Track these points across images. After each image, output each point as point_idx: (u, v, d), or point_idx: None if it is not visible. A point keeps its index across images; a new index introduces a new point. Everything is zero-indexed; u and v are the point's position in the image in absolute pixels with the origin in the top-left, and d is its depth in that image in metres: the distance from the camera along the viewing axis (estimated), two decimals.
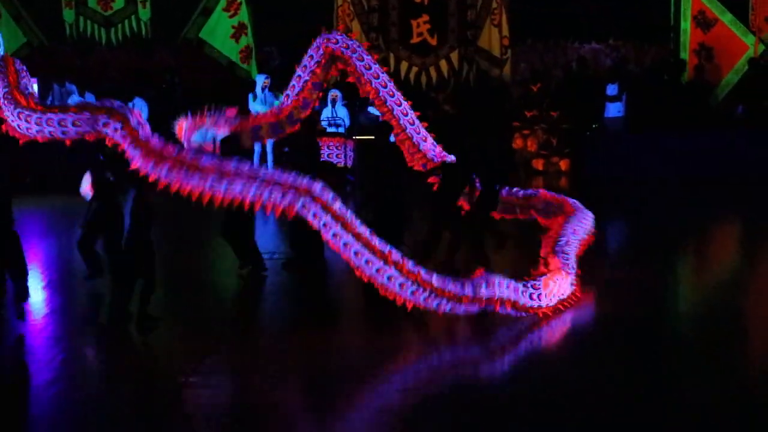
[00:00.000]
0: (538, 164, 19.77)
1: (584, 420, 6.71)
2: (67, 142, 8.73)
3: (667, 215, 14.98)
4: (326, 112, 17.73)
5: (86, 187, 9.93)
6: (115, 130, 8.43)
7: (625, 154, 18.19)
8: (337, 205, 8.51)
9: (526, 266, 9.52)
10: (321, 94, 12.04)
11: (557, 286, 9.16)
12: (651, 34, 21.57)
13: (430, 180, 11.43)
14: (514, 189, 12.05)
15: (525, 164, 19.63)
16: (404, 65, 21.02)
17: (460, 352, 8.60)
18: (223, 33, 19.55)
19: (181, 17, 19.64)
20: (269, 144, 17.07)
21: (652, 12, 21.58)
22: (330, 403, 7.06)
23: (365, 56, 11.35)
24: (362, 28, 20.79)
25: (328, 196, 8.51)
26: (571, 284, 9.47)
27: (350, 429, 6.75)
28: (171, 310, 9.39)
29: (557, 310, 9.09)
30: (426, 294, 8.47)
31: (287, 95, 11.49)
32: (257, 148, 17.00)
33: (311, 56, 11.31)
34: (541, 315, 8.93)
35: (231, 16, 19.60)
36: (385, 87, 11.50)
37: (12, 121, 8.79)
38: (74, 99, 17.50)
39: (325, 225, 8.47)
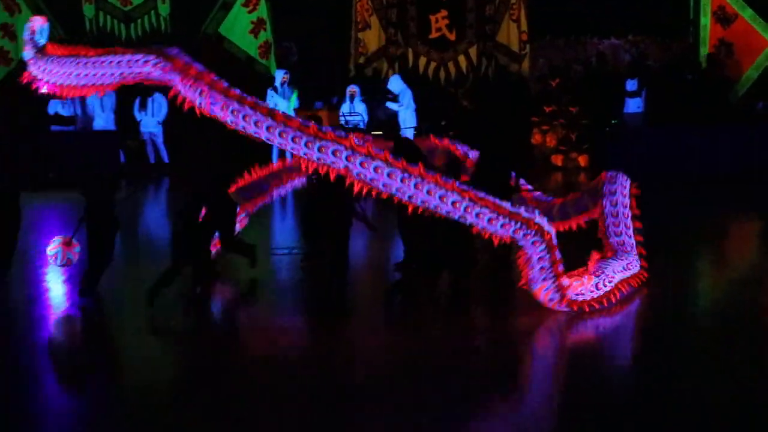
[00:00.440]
0: (557, 160, 19.78)
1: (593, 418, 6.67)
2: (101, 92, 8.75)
3: (685, 212, 14.89)
4: (345, 108, 17.78)
5: None
6: (155, 64, 8.37)
7: (644, 150, 18.14)
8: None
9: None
10: None
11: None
12: (671, 30, 21.50)
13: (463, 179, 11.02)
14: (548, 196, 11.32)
15: (544, 160, 19.64)
16: (423, 60, 21.03)
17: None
18: (242, 28, 19.65)
19: (201, 13, 19.70)
20: None
21: (671, 7, 21.51)
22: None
23: None
24: (381, 23, 20.84)
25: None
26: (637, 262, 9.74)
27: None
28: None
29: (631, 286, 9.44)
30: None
31: None
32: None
33: None
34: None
35: (250, 12, 19.68)
36: None
37: (43, 70, 8.71)
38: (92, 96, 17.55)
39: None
